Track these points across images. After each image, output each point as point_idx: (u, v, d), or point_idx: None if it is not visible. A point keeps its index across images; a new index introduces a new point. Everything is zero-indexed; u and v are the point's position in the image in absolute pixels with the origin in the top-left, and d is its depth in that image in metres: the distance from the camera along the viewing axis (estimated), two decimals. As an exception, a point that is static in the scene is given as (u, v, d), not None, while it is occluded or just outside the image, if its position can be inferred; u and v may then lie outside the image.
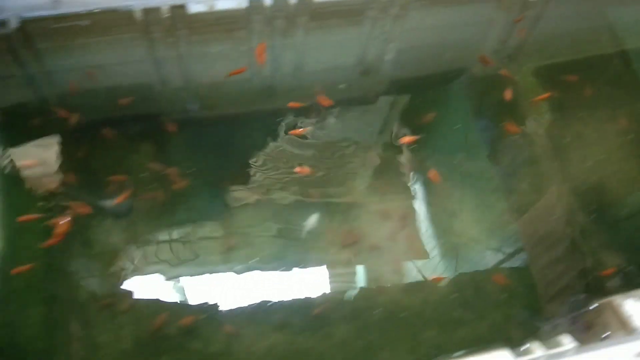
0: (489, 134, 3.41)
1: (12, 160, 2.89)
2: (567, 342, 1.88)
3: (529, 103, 3.33)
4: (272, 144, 3.24)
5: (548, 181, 3.14)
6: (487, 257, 3.00)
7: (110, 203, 2.86)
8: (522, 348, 1.93)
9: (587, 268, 2.88)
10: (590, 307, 2.02)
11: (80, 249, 2.79)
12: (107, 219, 2.88)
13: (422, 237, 3.10)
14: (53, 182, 2.87)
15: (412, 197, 3.20)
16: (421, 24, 3.27)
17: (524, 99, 3.37)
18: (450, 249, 3.04)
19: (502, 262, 3.01)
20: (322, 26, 3.09)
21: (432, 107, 3.46)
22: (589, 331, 2.07)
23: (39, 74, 2.91)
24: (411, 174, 3.27)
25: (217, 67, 3.09)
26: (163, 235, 2.96)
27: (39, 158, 2.92)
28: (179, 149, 3.18)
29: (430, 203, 3.17)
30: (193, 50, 2.99)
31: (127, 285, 2.76)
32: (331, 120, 3.33)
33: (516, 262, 3.02)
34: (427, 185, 3.23)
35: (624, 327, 1.87)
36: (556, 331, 2.19)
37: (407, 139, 3.20)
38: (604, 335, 1.92)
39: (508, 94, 3.25)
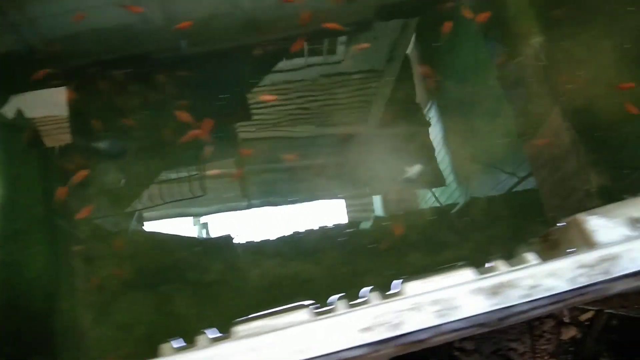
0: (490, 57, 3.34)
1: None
2: (531, 258, 1.92)
3: (519, 24, 3.23)
4: (270, 78, 3.26)
5: (537, 104, 3.10)
6: (476, 181, 3.04)
7: (103, 145, 2.95)
8: (486, 266, 1.98)
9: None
10: (558, 225, 2.06)
11: (79, 189, 2.92)
12: (102, 161, 2.99)
13: (415, 164, 3.14)
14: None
15: (419, 124, 3.20)
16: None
17: (514, 18, 3.27)
18: (460, 176, 3.09)
19: (490, 186, 3.05)
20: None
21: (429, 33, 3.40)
22: (555, 249, 2.12)
23: (22, 22, 2.92)
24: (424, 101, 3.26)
25: (196, 2, 3.06)
26: (158, 175, 3.07)
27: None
28: (171, 88, 3.22)
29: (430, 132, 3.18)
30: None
31: (124, 221, 2.91)
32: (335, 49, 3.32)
33: (505, 185, 3.05)
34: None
35: (587, 243, 1.92)
36: (525, 249, 2.25)
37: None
38: (569, 250, 1.97)
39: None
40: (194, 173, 3.09)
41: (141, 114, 3.07)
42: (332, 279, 2.80)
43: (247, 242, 2.87)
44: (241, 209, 2.99)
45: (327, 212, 3.00)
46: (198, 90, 3.17)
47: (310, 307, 1.82)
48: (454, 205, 3.02)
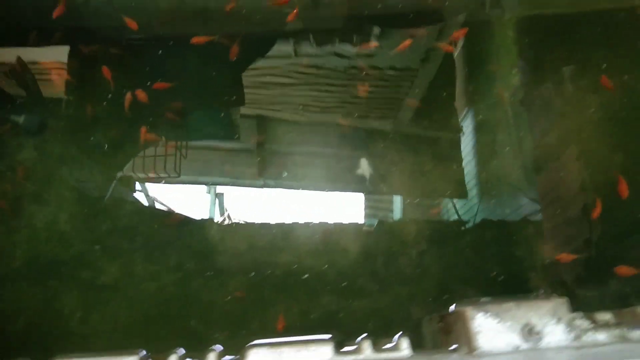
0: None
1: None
2: (404, 347, 1.66)
3: (499, 61, 2.89)
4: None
5: (497, 151, 2.79)
6: (406, 228, 2.76)
7: (22, 118, 2.75)
8: (351, 347, 1.72)
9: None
10: (449, 310, 1.78)
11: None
12: (19, 135, 2.79)
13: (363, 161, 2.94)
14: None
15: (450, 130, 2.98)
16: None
17: (495, 56, 2.93)
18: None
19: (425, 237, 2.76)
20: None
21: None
22: (448, 335, 1.84)
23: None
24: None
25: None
26: (77, 158, 2.87)
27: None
28: (114, 67, 2.99)
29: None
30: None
31: (27, 203, 2.71)
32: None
33: (443, 237, 2.77)
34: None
35: (469, 345, 1.64)
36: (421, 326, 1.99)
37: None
38: (452, 347, 1.70)
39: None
40: (118, 159, 2.90)
41: (70, 90, 2.85)
42: (232, 307, 2.57)
43: (151, 248, 2.66)
44: (148, 209, 2.78)
45: (239, 231, 2.76)
46: (142, 73, 2.95)
47: (141, 355, 1.60)
48: (387, 248, 2.75)
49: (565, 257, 2.52)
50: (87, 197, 2.76)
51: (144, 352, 1.57)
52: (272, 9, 2.83)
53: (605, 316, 1.82)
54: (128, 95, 2.79)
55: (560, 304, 1.70)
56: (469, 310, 1.72)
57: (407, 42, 2.73)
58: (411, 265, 2.68)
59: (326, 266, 2.67)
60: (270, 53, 3.14)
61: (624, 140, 2.70)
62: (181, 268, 2.62)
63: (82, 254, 2.62)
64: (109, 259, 2.62)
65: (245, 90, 3.13)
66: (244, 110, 3.19)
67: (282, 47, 3.18)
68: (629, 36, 2.90)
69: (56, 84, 2.89)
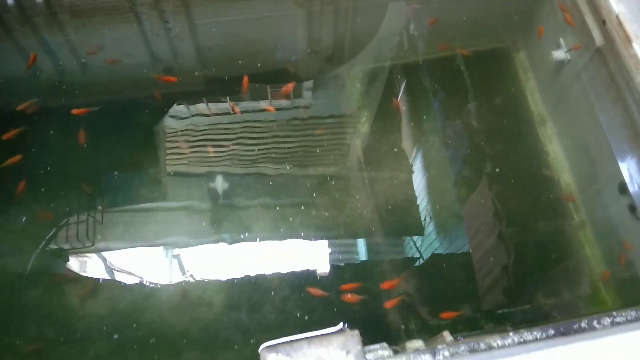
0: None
1: None
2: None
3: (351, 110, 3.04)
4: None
5: (471, 169, 2.88)
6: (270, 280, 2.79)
7: None
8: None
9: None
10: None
11: None
12: None
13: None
14: None
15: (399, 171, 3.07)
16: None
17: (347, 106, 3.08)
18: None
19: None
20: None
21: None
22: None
23: None
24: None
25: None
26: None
27: None
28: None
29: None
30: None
31: None
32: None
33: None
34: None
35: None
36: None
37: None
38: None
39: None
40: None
41: None
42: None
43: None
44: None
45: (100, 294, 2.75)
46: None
47: None
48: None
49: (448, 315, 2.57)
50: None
51: None
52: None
53: (415, 344, 1.86)
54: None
55: (350, 337, 1.75)
56: (263, 352, 1.76)
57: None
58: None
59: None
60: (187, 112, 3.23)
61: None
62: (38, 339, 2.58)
63: None
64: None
65: (178, 150, 3.23)
66: (180, 169, 3.21)
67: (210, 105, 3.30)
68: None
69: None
